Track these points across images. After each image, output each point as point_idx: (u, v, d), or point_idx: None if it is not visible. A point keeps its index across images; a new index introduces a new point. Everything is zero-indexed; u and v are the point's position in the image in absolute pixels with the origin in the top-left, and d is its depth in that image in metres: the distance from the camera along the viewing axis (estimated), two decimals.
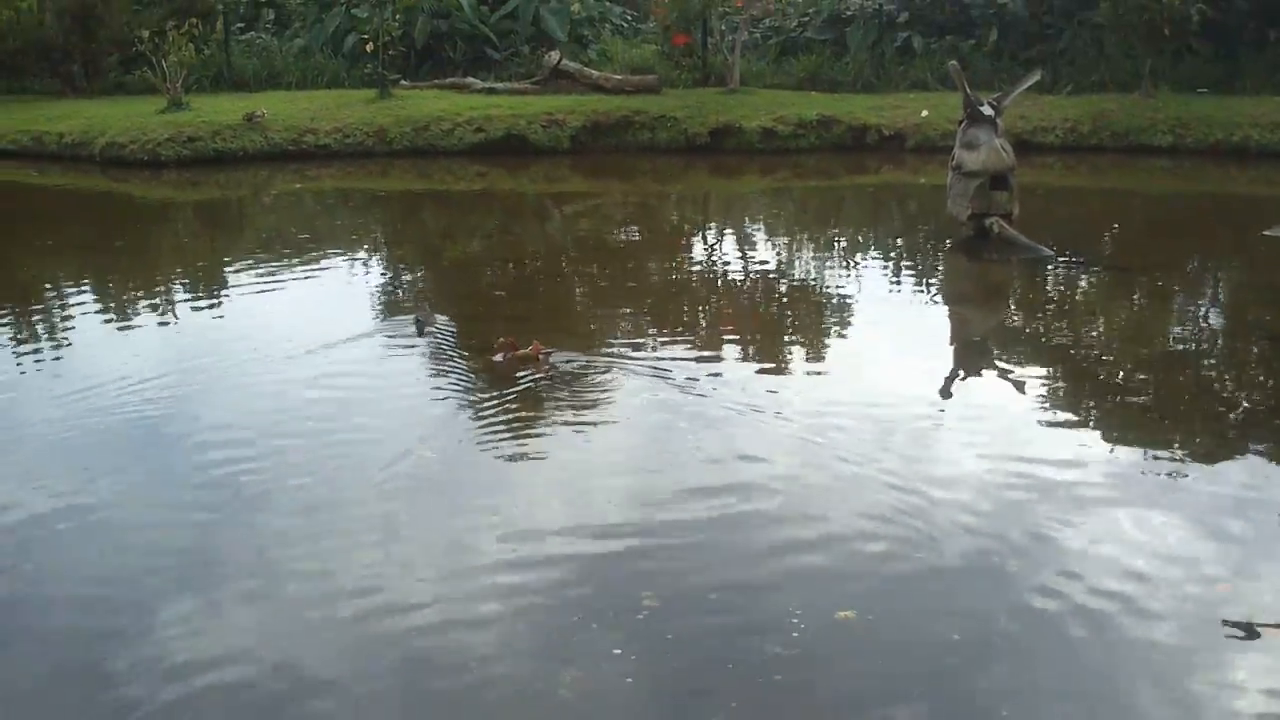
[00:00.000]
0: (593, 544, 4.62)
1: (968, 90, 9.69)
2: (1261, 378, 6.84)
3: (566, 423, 6.06)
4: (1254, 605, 4.24)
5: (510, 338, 6.94)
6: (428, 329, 7.54)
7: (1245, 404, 6.44)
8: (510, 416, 6.13)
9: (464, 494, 5.16)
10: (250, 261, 9.85)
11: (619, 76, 17.12)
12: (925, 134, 15.06)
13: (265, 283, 8.98)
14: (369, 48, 17.31)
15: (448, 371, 6.82)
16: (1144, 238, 11.07)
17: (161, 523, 4.81)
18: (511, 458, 5.58)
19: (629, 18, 20.61)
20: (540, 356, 6.83)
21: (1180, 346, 7.60)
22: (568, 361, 6.88)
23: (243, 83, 18.36)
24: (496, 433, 5.87)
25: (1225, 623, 4.10)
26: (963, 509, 4.96)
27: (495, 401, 6.36)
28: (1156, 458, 5.57)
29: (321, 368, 6.81)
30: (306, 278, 9.21)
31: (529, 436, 5.86)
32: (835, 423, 5.98)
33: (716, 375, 6.76)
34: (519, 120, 15.19)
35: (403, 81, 17.54)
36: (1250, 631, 4.05)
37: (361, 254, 10.33)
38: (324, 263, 9.75)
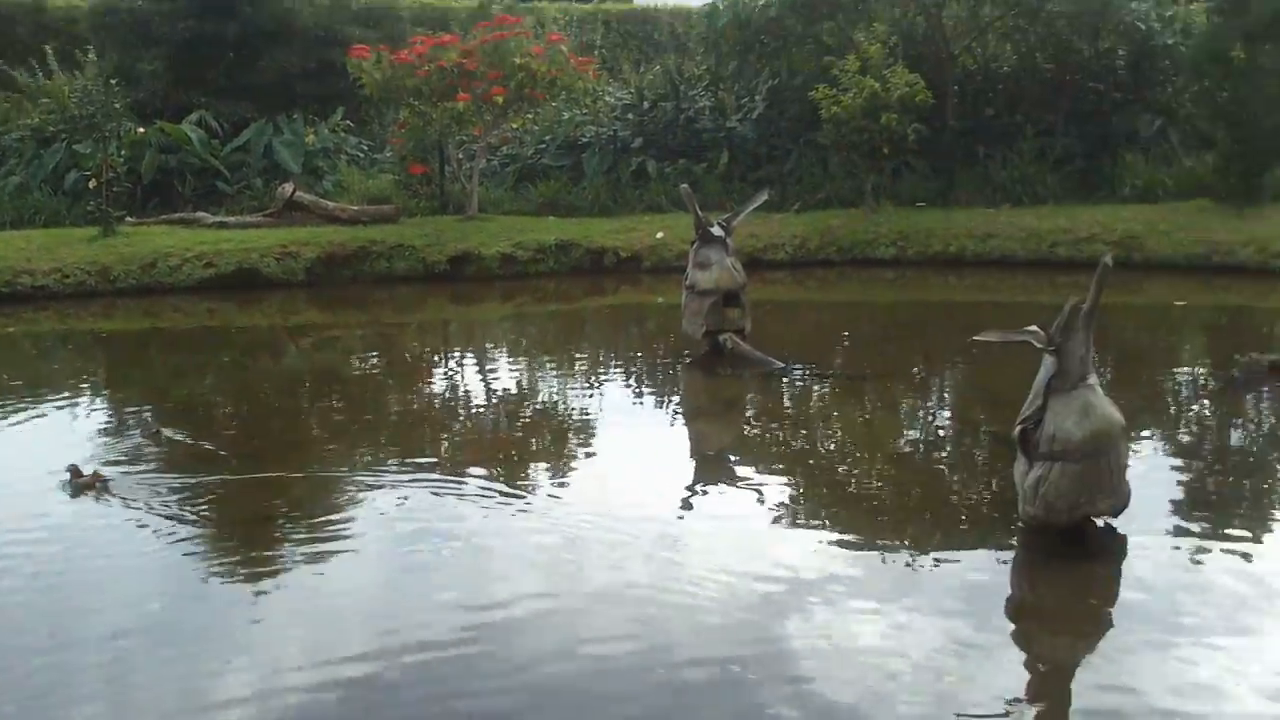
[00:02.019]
0: (336, 671, 4.53)
1: (698, 212, 9.93)
2: (985, 475, 7.09)
3: (304, 556, 5.90)
4: (983, 694, 4.36)
5: (73, 465, 6.94)
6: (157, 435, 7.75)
7: (972, 500, 6.67)
8: (245, 554, 5.94)
9: (193, 646, 4.93)
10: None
11: (355, 207, 16.96)
12: (661, 255, 15.34)
13: None
14: (92, 184, 16.74)
15: (172, 517, 6.50)
16: (872, 346, 11.46)
17: None
18: (248, 597, 5.41)
19: (364, 148, 20.49)
20: (97, 485, 6.84)
21: (910, 448, 7.84)
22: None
23: None
24: (232, 573, 5.70)
25: (958, 716, 4.19)
26: (706, 618, 5.01)
27: (230, 539, 6.16)
28: (891, 558, 5.71)
29: (37, 521, 6.45)
30: (17, 425, 8.65)
31: (266, 573, 5.68)
32: (580, 538, 6.01)
33: (461, 498, 6.72)
34: (251, 253, 14.83)
35: (129, 218, 16.97)
36: None
37: (83, 398, 9.82)
38: (40, 408, 9.22)
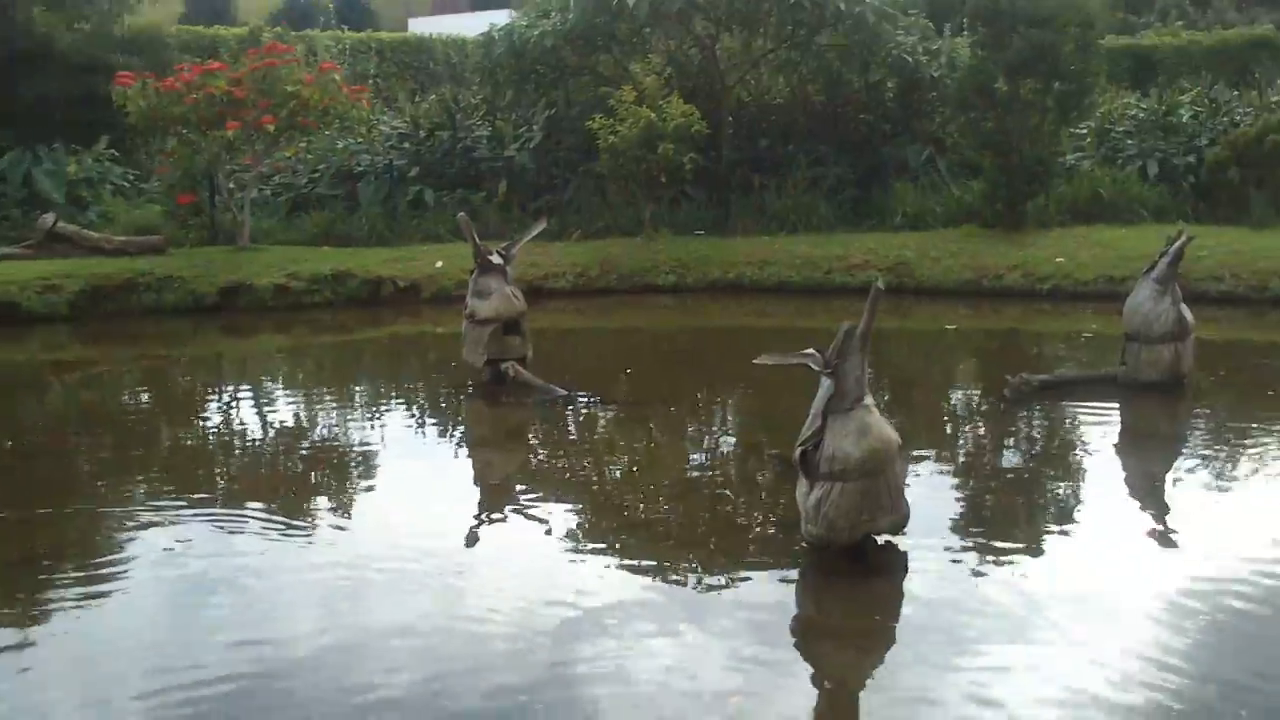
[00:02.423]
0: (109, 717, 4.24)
1: (476, 241, 9.86)
2: (770, 497, 7.17)
3: (73, 598, 5.64)
4: (773, 714, 4.38)
5: None
6: None
7: (757, 522, 6.73)
8: (9, 599, 5.63)
9: None
10: None
11: (121, 238, 16.31)
12: (440, 285, 15.17)
13: None
14: None
15: None
16: (655, 373, 11.53)
17: None
18: (13, 644, 5.13)
19: (130, 178, 19.77)
20: None
21: (695, 474, 7.88)
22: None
23: None
24: None
25: None
26: (493, 647, 4.96)
27: None
28: (679, 583, 5.72)
29: None
30: None
31: (34, 618, 5.38)
32: (364, 571, 5.89)
33: (239, 534, 6.53)
34: (10, 287, 14.11)
35: None
36: None
37: None
38: None
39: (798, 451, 5.84)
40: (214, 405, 10.64)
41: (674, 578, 5.80)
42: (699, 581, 5.77)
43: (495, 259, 9.89)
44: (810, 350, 5.84)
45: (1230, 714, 4.31)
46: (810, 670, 4.93)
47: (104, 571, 6.01)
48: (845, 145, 19.07)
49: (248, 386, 11.64)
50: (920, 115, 19.48)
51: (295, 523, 6.79)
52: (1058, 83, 15.92)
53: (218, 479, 7.97)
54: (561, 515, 6.88)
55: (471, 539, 6.54)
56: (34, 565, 6.14)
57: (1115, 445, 8.38)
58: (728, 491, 7.48)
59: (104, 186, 18.82)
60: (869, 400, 5.78)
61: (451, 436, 9.28)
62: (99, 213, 17.91)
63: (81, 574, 5.97)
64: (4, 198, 17.95)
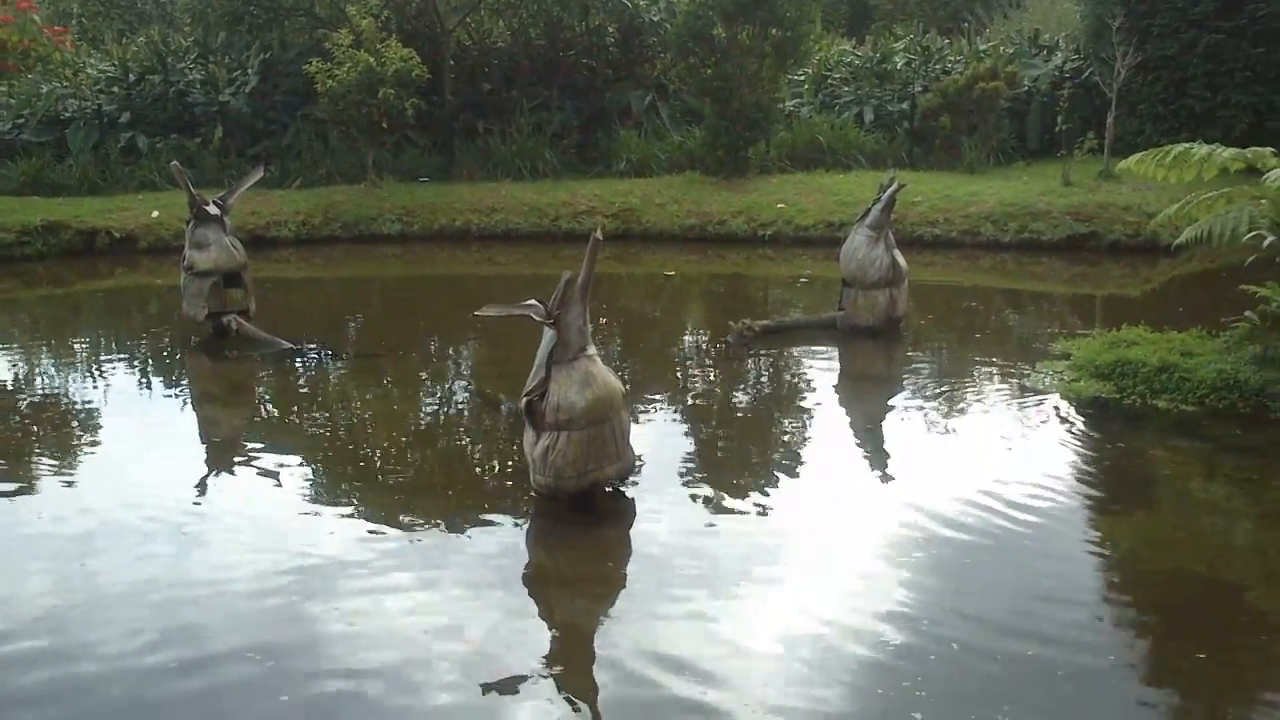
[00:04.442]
0: None
1: (191, 190, 9.65)
2: (501, 445, 7.30)
3: None
4: (512, 661, 4.54)
5: None
6: None
7: (489, 472, 6.86)
8: None
9: None
10: None
11: None
12: (158, 235, 14.73)
13: None
14: None
15: None
16: (383, 323, 11.51)
17: None
18: None
19: None
20: None
21: (429, 424, 7.96)
22: None
23: None
24: None
25: (484, 686, 4.35)
26: (233, 607, 4.95)
27: None
28: (415, 535, 5.82)
29: None
30: None
31: None
32: (93, 533, 5.85)
33: None
34: None
35: None
36: (507, 688, 4.32)
37: None
38: None
39: (523, 401, 5.98)
40: None
41: (411, 531, 5.89)
42: (435, 533, 5.88)
43: (212, 209, 9.69)
44: (532, 301, 5.96)
45: (942, 649, 4.66)
46: (545, 618, 5.08)
47: None
48: (568, 90, 19.24)
49: None
50: (642, 61, 19.80)
51: (18, 479, 6.69)
52: (775, 29, 16.40)
53: None
54: (294, 469, 6.87)
55: (201, 494, 6.49)
56: None
57: (836, 388, 8.82)
58: (462, 441, 7.60)
59: None
60: (592, 350, 5.96)
61: (176, 392, 9.08)
62: None
63: None
64: None
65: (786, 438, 7.55)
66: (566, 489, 5.90)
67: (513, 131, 18.19)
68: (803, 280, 13.04)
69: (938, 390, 8.47)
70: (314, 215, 15.66)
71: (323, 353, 9.61)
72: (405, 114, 16.38)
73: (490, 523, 6.00)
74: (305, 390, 8.88)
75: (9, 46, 15.74)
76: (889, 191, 9.60)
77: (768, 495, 6.37)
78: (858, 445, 7.51)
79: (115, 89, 19.09)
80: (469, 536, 5.82)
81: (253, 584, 5.21)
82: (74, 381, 9.17)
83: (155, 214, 15.13)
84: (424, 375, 9.41)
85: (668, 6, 19.31)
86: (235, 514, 6.16)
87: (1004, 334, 10.64)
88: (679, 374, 9.35)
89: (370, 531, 5.88)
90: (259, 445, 7.46)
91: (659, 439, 7.28)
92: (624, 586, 5.34)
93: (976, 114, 17.58)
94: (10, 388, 9.00)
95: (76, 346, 10.75)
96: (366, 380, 9.08)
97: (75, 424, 7.95)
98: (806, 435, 7.60)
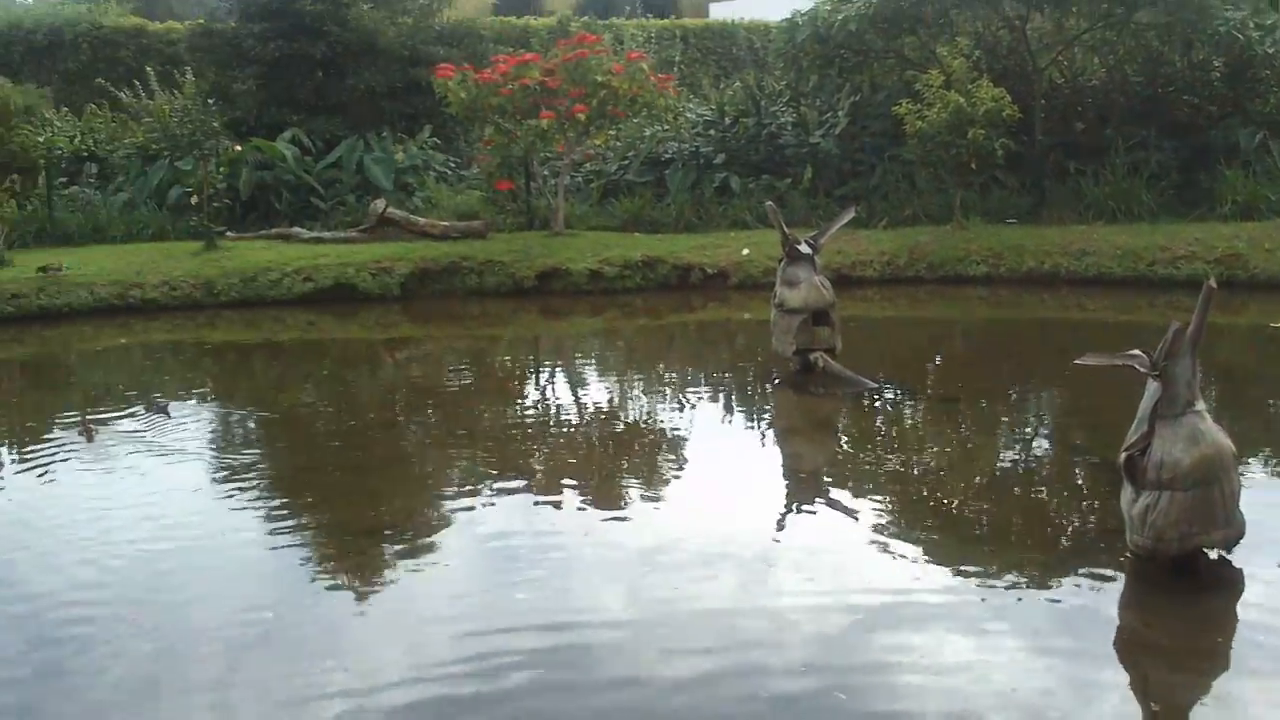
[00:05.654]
0: (436, 688, 4.60)
1: (784, 229, 9.88)
2: (1086, 501, 6.97)
3: (404, 567, 6.01)
4: None
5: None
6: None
7: (1073, 526, 6.56)
8: (342, 563, 6.04)
9: (300, 648, 5.03)
10: (78, 419, 9.55)
11: (445, 223, 17.11)
12: (747, 271, 15.29)
13: (92, 443, 8.67)
14: (194, 200, 17.15)
15: (276, 521, 6.73)
16: (966, 366, 11.35)
17: None
18: (347, 606, 5.53)
19: (452, 165, 20.70)
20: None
21: (1007, 472, 7.73)
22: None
23: (66, 237, 17.86)
24: (330, 580, 5.87)
25: None
26: (800, 643, 4.99)
27: (325, 548, 6.32)
28: (990, 584, 5.62)
29: (154, 524, 6.69)
30: (133, 433, 8.80)
31: (365, 586, 5.73)
32: (667, 554, 6.05)
33: (554, 515, 6.83)
34: (347, 268, 15.05)
35: (229, 233, 17.29)
36: None
37: (190, 409, 9.94)
38: (161, 420, 9.37)
39: (1123, 456, 5.65)
40: (531, 386, 11.07)
41: (984, 577, 5.71)
42: (1011, 583, 5.66)
43: (804, 248, 9.89)
44: (1136, 351, 5.62)
45: None
46: (1135, 689, 4.71)
47: (427, 543, 6.42)
48: (1167, 129, 18.20)
49: (563, 368, 12.03)
50: (1253, 97, 18.42)
51: (606, 502, 7.07)
52: None
53: (535, 458, 8.28)
54: (870, 508, 6.86)
55: (779, 527, 6.61)
56: (370, 535, 6.53)
57: None
58: (1043, 493, 7.31)
59: (428, 173, 19.81)
60: (1200, 405, 5.54)
61: (760, 425, 9.37)
62: (424, 198, 18.84)
63: (408, 544, 6.39)
64: (339, 184, 19.08)
65: None
66: (1167, 552, 5.48)
67: (1106, 172, 17.45)
68: None
69: None
70: (899, 255, 15.71)
71: (903, 392, 9.58)
72: (994, 154, 16.12)
73: (1069, 581, 5.68)
74: (884, 430, 8.88)
75: (620, 94, 16.89)
76: None
77: None
78: None
79: (711, 131, 20.08)
80: (1049, 591, 5.54)
81: (822, 615, 5.23)
82: (664, 409, 9.66)
83: (745, 251, 15.74)
84: (1004, 420, 9.17)
85: None
86: (811, 547, 6.22)
87: None
88: None
89: (937, 574, 5.77)
90: (838, 482, 7.52)
91: (1267, 503, 6.64)
92: (1228, 666, 4.87)
93: None
94: (606, 413, 9.63)
95: (668, 376, 11.33)
96: (945, 423, 8.96)
97: (663, 450, 8.38)
98: None
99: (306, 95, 20.11)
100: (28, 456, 8.38)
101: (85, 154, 19.90)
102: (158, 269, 15.01)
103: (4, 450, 8.86)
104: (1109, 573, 5.76)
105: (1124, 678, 4.82)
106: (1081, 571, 5.79)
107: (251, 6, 20.32)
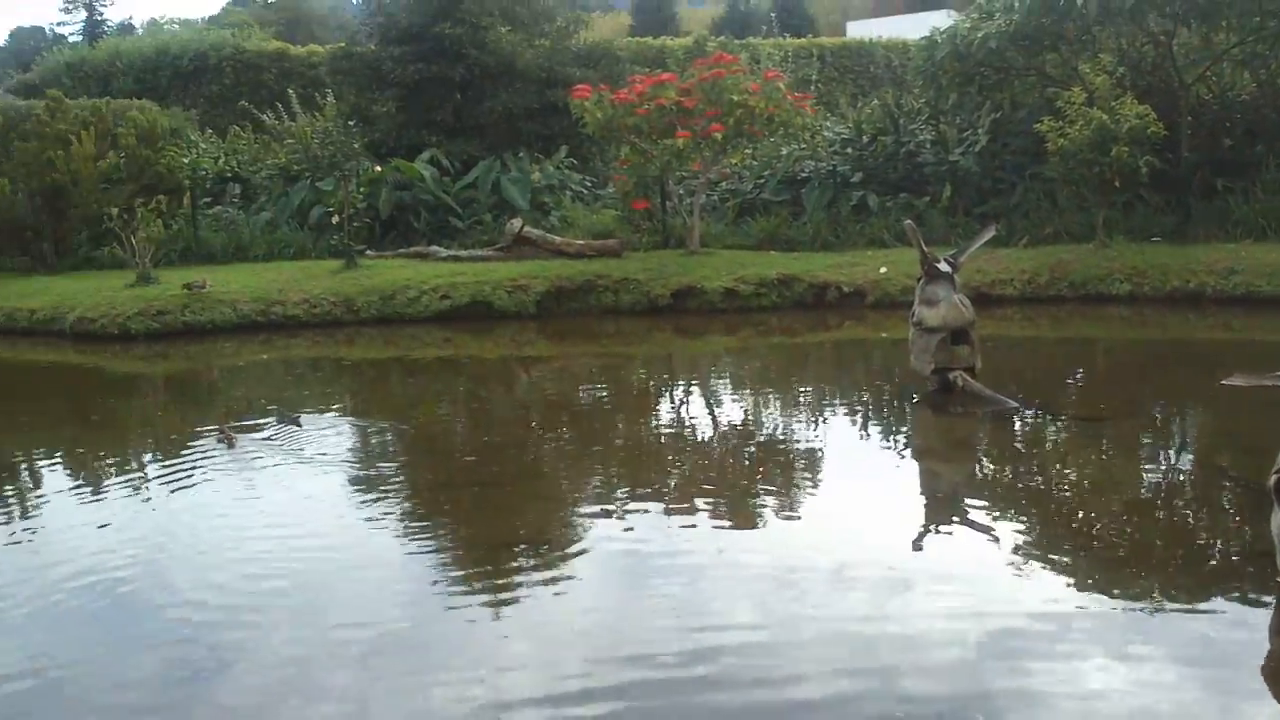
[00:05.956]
0: (571, 707, 4.61)
1: (923, 248, 9.82)
2: (1233, 524, 6.82)
3: (538, 580, 6.06)
4: None
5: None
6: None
7: (1220, 551, 6.42)
8: (478, 577, 6.12)
9: (436, 660, 5.12)
10: (218, 430, 9.85)
11: (580, 242, 17.32)
12: (885, 290, 15.21)
13: (234, 454, 8.94)
14: (334, 219, 17.59)
15: (412, 533, 6.88)
16: (1108, 386, 11.15)
17: (132, 688, 4.82)
18: (482, 619, 5.58)
19: (588, 184, 20.94)
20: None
21: (1151, 493, 7.59)
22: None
23: (210, 256, 18.50)
24: (466, 593, 5.92)
25: None
26: (935, 664, 4.94)
27: (460, 561, 6.42)
28: (1133, 608, 5.53)
29: (290, 532, 6.88)
30: (274, 447, 9.09)
31: (500, 599, 5.81)
32: (802, 571, 6.04)
33: (688, 531, 6.81)
34: (484, 286, 15.32)
35: (368, 252, 17.72)
36: None
37: (328, 423, 10.23)
38: (293, 431, 9.68)
39: (1273, 479, 5.52)
40: (665, 402, 11.13)
41: (1128, 599, 5.61)
42: (1155, 606, 5.55)
43: (943, 266, 9.82)
44: None
45: None
46: None
47: (561, 556, 6.47)
48: None
49: (698, 385, 12.08)
50: None
51: (740, 518, 7.08)
52: None
53: (668, 474, 8.33)
54: (1010, 528, 6.78)
55: (916, 546, 6.56)
56: (506, 548, 6.61)
57: None
58: (1188, 514, 7.17)
59: (564, 193, 20.07)
60: None
61: (897, 444, 9.32)
62: (560, 217, 19.09)
63: (543, 558, 6.44)
64: (476, 204, 19.42)
65: None
66: None
67: (1256, 189, 17.02)
68: None
69: None
70: (1040, 274, 15.50)
71: (1043, 413, 9.45)
72: (1139, 172, 15.83)
73: (1215, 605, 5.54)
74: (1023, 449, 8.77)
75: (757, 113, 16.95)
76: None
77: None
78: None
79: (849, 150, 20.04)
80: (1194, 615, 5.41)
81: (954, 636, 5.17)
82: (799, 426, 9.65)
83: (883, 270, 15.66)
84: (1147, 441, 9.01)
85: None
86: (948, 566, 6.16)
87: None
88: None
89: (1078, 596, 5.65)
90: (976, 501, 7.45)
91: None
92: None
93: None
94: (741, 430, 9.64)
95: (804, 393, 11.31)
96: (1085, 443, 8.81)
97: (798, 467, 8.36)
98: None
99: (445, 117, 20.52)
100: (170, 467, 8.65)
101: (229, 175, 20.59)
102: (299, 286, 15.46)
103: (148, 459, 9.20)
104: (1259, 597, 5.62)
105: (1275, 707, 4.71)
106: (1229, 595, 5.65)
107: (391, 30, 20.80)
